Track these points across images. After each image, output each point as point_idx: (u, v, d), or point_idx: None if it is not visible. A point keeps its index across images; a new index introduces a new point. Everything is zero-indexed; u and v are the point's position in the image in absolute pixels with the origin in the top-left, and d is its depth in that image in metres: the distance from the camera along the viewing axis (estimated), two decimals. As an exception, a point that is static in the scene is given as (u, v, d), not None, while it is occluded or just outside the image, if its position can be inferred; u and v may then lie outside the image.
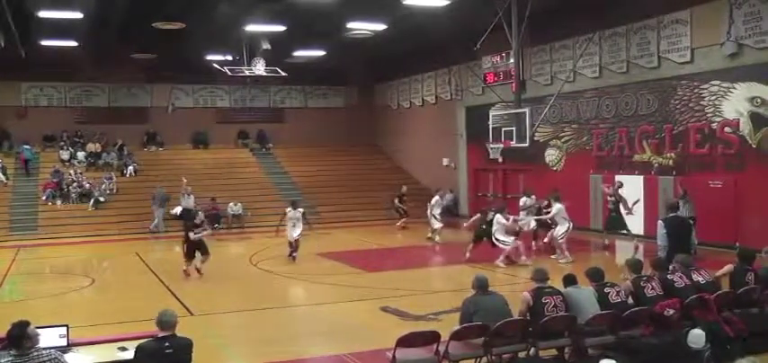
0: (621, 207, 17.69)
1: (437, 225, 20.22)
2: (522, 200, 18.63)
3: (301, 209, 17.60)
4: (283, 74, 24.29)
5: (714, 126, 17.36)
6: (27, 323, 5.51)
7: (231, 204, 25.29)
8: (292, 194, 27.68)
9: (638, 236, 17.75)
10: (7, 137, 28.55)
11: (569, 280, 8.27)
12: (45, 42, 23.14)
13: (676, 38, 18.09)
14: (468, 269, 14.81)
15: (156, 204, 24.34)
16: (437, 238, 20.17)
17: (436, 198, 20.80)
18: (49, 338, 6.40)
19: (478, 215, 17.56)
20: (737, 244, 13.67)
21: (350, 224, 24.63)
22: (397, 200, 24.21)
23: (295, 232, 16.92)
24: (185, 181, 24.37)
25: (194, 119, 31.41)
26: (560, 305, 7.64)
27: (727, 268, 8.99)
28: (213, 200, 25.19)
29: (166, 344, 6.09)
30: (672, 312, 7.76)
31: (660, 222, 10.63)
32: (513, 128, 19.50)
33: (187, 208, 22.62)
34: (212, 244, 21.89)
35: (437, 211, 20.47)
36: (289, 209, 17.28)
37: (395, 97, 32.27)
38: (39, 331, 5.71)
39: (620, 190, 17.71)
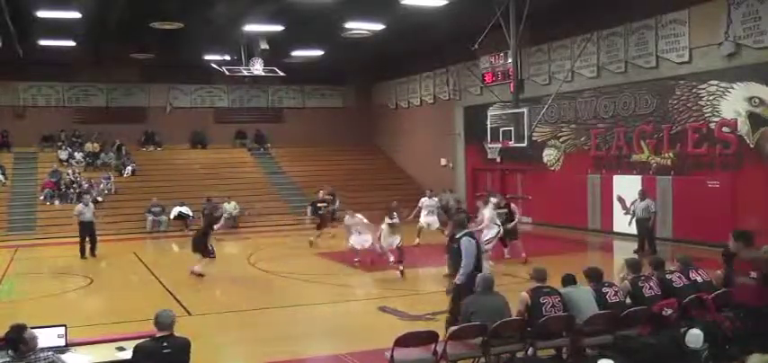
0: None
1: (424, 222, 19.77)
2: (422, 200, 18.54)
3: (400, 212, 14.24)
4: (281, 74, 24.25)
5: (712, 126, 17.37)
6: (23, 327, 5.51)
7: (225, 204, 25.20)
8: (291, 194, 27.80)
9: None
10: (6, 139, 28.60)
11: (568, 280, 8.27)
12: (43, 42, 23.11)
13: (674, 38, 18.10)
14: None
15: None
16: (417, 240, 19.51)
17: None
18: (47, 338, 6.39)
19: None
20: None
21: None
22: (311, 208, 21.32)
23: (394, 240, 14.47)
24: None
25: (192, 119, 31.36)
26: (558, 305, 7.64)
27: (718, 275, 8.84)
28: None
29: (164, 344, 6.09)
30: (670, 311, 7.76)
31: (472, 241, 9.13)
32: (512, 128, 19.51)
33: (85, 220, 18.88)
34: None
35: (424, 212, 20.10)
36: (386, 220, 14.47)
37: (393, 97, 32.25)
38: (37, 333, 5.71)
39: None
